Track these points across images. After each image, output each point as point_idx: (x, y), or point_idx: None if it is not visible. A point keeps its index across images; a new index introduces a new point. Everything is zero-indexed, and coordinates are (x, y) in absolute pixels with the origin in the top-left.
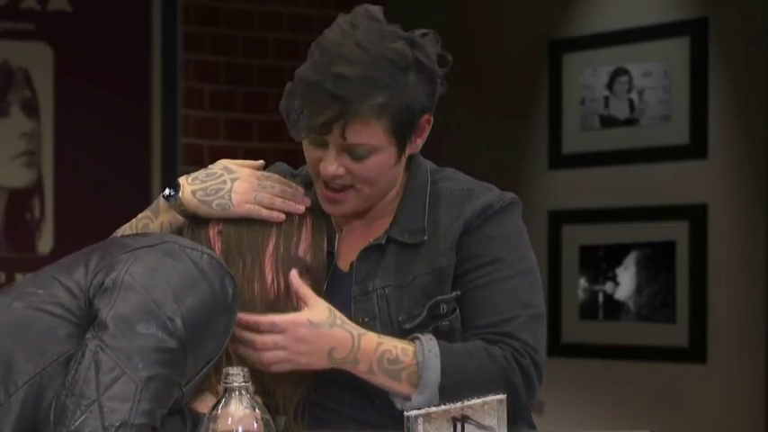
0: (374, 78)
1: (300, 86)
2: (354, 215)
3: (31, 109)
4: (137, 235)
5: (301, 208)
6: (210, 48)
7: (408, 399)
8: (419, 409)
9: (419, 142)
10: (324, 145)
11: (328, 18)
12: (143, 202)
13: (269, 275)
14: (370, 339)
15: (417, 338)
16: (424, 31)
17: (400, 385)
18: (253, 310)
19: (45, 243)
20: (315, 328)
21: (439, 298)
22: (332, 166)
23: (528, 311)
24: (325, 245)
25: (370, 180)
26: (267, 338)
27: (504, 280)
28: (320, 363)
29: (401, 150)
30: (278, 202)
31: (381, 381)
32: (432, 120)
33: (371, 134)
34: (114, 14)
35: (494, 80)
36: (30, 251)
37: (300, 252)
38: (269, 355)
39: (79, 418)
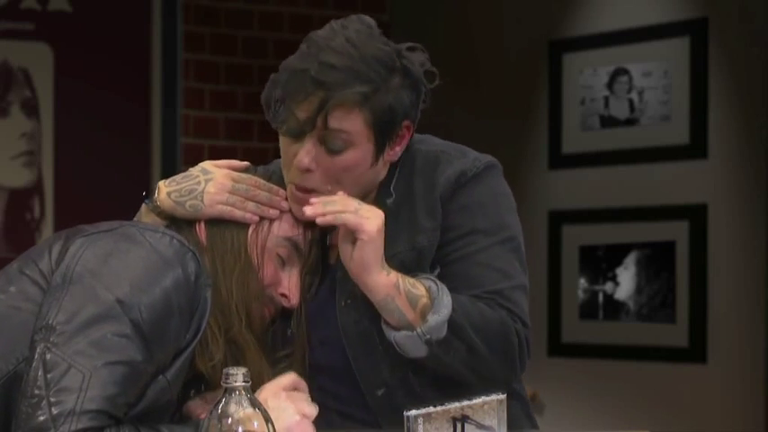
0: (360, 71)
1: (285, 75)
2: None
3: (30, 109)
4: (101, 223)
5: (275, 212)
6: (210, 48)
7: (397, 330)
8: (427, 334)
9: (397, 150)
10: (301, 136)
11: (328, 18)
12: (143, 202)
13: (254, 259)
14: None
15: (426, 277)
16: (411, 44)
17: (412, 313)
18: (231, 304)
19: None
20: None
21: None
22: (307, 157)
23: (509, 282)
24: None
25: (341, 178)
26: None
27: (479, 252)
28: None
29: (379, 151)
30: (250, 205)
31: (399, 302)
32: (412, 129)
33: (353, 122)
34: (114, 14)
35: (494, 80)
36: None
37: (288, 231)
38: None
39: (30, 417)
